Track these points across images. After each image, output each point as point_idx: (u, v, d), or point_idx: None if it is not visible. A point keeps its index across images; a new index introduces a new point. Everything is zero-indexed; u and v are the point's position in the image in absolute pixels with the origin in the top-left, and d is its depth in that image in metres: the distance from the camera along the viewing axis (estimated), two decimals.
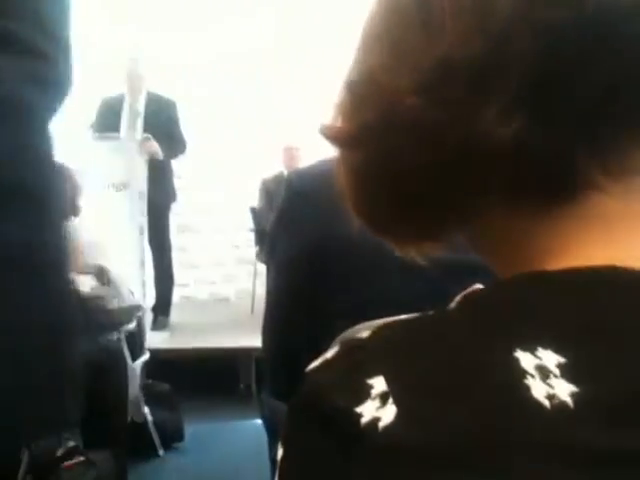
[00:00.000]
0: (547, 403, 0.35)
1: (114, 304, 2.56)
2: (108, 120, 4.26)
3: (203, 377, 3.60)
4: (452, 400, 0.37)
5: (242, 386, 3.91)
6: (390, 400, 0.38)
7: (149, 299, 4.27)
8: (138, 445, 2.82)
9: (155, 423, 2.97)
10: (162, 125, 4.24)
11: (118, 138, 4.06)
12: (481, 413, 0.36)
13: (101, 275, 2.60)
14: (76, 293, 2.48)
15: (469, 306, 0.41)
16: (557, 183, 0.40)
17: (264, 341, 1.17)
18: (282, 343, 1.13)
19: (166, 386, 3.17)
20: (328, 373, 0.43)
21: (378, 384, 0.39)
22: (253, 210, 4.94)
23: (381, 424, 0.38)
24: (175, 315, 4.68)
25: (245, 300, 5.19)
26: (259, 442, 1.23)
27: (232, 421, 3.40)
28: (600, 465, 0.33)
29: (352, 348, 0.43)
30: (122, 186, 3.85)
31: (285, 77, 5.50)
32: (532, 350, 0.37)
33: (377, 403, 0.38)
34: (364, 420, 0.38)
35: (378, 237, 0.48)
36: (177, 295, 4.96)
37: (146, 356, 3.00)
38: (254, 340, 3.79)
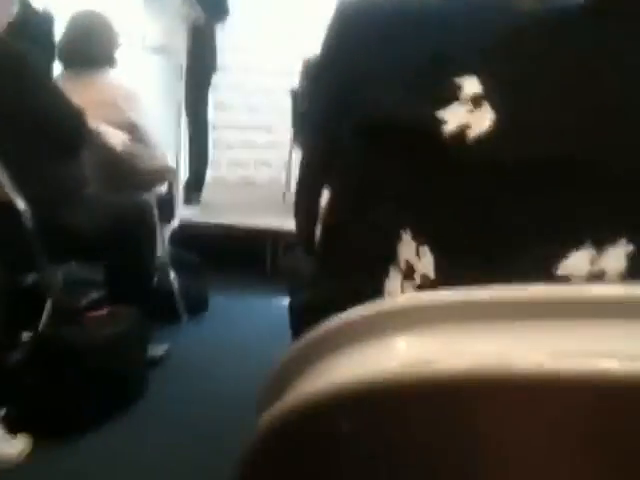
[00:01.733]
0: None
1: (146, 163, 2.50)
2: None
3: (230, 254, 3.60)
4: (564, 103, 0.29)
5: (269, 266, 3.91)
6: (485, 104, 0.30)
7: (182, 170, 4.23)
8: (163, 310, 2.85)
9: (180, 290, 2.99)
10: None
11: None
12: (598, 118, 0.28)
13: (135, 131, 2.52)
14: (107, 148, 2.41)
15: (583, 12, 0.32)
16: None
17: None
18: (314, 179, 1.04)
19: (193, 256, 3.17)
20: (397, 88, 0.34)
21: (469, 84, 0.31)
22: (293, 92, 4.77)
23: (471, 133, 0.29)
24: (205, 194, 4.64)
25: (278, 186, 5.12)
26: (281, 321, 1.18)
27: (256, 298, 3.41)
28: None
29: (429, 56, 0.35)
30: (160, 50, 3.71)
31: None
32: None
33: (467, 106, 0.30)
34: (448, 128, 0.30)
35: None
36: (208, 175, 4.90)
37: (176, 223, 2.97)
38: (283, 224, 3.76)
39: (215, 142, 4.88)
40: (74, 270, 2.74)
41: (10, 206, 2.01)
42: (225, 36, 4.67)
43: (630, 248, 0.25)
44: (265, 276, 3.78)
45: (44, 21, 4.40)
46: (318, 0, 5.23)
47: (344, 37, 0.94)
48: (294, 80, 4.87)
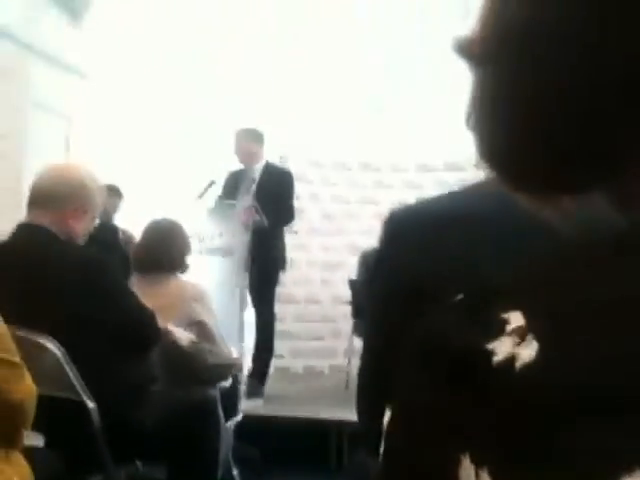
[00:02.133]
0: None
1: (212, 359, 2.57)
2: (230, 189, 4.54)
3: (293, 447, 3.51)
4: (607, 332, 0.31)
5: (333, 460, 3.77)
6: (530, 335, 0.33)
7: (246, 364, 4.29)
8: None
9: None
10: (274, 194, 4.41)
11: (232, 205, 4.22)
12: None
13: (200, 329, 2.62)
14: (175, 346, 2.51)
15: (612, 235, 0.36)
16: None
17: (358, 389, 1.11)
18: (374, 380, 1.06)
19: (256, 451, 3.11)
20: (448, 313, 0.38)
21: (515, 319, 0.34)
22: (352, 282, 4.91)
23: (519, 363, 0.32)
24: (269, 385, 4.64)
25: (340, 374, 5.10)
26: None
27: None
28: None
29: (477, 289, 0.38)
30: (226, 252, 3.96)
31: None
32: None
33: (514, 339, 0.33)
34: (497, 359, 0.33)
35: (509, 190, 0.43)
36: (271, 365, 4.93)
37: (239, 417, 2.96)
38: (347, 414, 3.70)
39: (279, 333, 4.98)
40: (138, 470, 2.71)
41: (80, 404, 2.07)
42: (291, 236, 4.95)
43: None
44: (330, 470, 3.64)
45: (110, 231, 4.80)
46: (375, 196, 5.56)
47: (393, 248, 1.01)
48: (352, 271, 5.04)
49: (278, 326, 4.94)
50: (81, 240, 2.35)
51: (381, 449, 0.39)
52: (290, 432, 3.72)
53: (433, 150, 5.63)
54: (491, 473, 0.31)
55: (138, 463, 2.72)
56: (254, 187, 4.49)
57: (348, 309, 5.04)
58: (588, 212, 0.44)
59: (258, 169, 4.64)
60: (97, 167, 3.38)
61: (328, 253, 5.54)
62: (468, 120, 0.42)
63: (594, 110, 0.37)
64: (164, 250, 2.68)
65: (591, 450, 0.29)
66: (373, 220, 4.99)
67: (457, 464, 0.33)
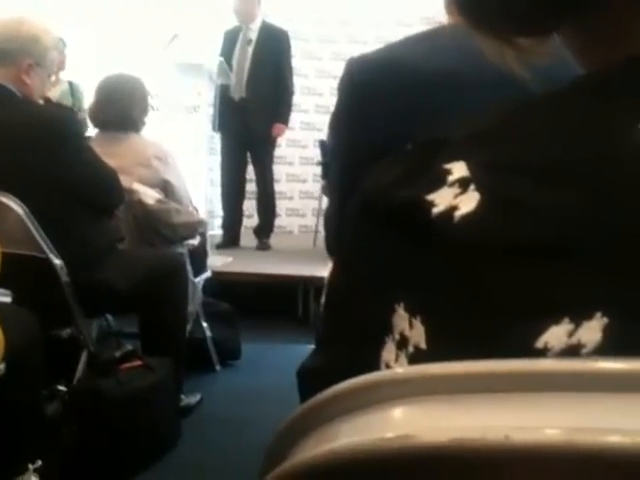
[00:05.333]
0: None
1: (178, 218, 2.57)
2: (227, 49, 4.52)
3: (262, 301, 3.63)
4: (552, 183, 0.31)
5: (300, 313, 3.93)
6: (472, 186, 0.32)
7: (217, 219, 4.39)
8: (196, 360, 2.87)
9: (213, 339, 3.02)
10: (271, 54, 4.44)
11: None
12: (589, 195, 0.29)
13: (166, 189, 2.60)
14: (141, 205, 2.50)
15: (576, 88, 0.34)
16: None
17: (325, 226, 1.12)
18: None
19: (226, 305, 3.20)
20: (393, 169, 0.37)
21: (458, 169, 0.33)
22: (322, 143, 4.87)
23: (458, 213, 0.32)
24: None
25: (309, 234, 5.19)
26: None
27: (289, 344, 3.42)
28: None
29: (426, 142, 0.37)
30: (193, 109, 3.87)
31: None
32: None
33: (455, 190, 0.32)
34: (437, 210, 0.32)
35: (473, 32, 0.41)
36: (243, 225, 5.00)
37: (208, 273, 3.02)
38: (314, 270, 3.79)
39: (250, 194, 5.00)
40: (108, 322, 2.80)
41: (47, 262, 2.08)
42: None
43: (605, 321, 0.27)
44: (297, 322, 3.80)
45: (75, 89, 4.63)
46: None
47: (353, 102, 0.97)
48: (323, 133, 4.99)
49: (248, 187, 4.95)
50: (37, 97, 2.25)
51: (322, 298, 0.40)
52: (259, 288, 3.83)
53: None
54: (424, 321, 0.32)
55: (109, 317, 2.80)
56: (250, 49, 4.49)
57: (318, 169, 5.04)
58: (549, 60, 0.42)
59: (255, 29, 4.52)
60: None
61: (298, 114, 5.44)
62: None
63: None
64: (124, 107, 2.58)
65: (520, 296, 0.29)
66: None
67: (392, 312, 0.33)
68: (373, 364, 0.33)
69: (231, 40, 4.60)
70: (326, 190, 4.80)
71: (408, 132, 0.66)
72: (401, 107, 0.86)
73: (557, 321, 0.28)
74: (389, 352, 0.33)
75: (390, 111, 0.87)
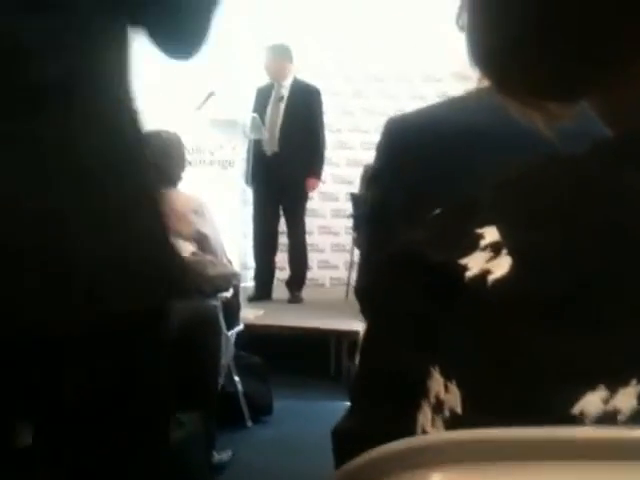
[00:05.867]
0: None
1: (213, 270, 2.60)
2: (259, 106, 4.64)
3: (295, 355, 3.61)
4: (579, 249, 0.31)
5: (333, 368, 3.89)
6: (504, 250, 0.33)
7: (250, 271, 4.41)
8: (227, 414, 2.86)
9: (245, 394, 3.00)
10: (303, 112, 4.54)
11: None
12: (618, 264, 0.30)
13: (201, 242, 2.64)
14: (179, 256, 2.54)
15: (599, 148, 0.35)
16: None
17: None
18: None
19: (257, 359, 3.20)
20: (426, 230, 0.38)
21: (489, 233, 0.34)
22: (353, 196, 4.91)
23: (491, 277, 0.32)
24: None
25: (341, 287, 5.19)
26: None
27: (321, 401, 3.39)
28: None
29: (459, 205, 0.38)
30: (228, 164, 3.95)
31: None
32: None
33: (487, 254, 0.33)
34: (470, 273, 0.33)
35: (501, 96, 0.42)
36: (275, 277, 5.02)
37: (240, 326, 3.03)
38: (346, 324, 3.75)
39: (281, 246, 5.04)
40: None
41: None
42: None
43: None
44: (329, 378, 3.76)
45: None
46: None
47: (390, 162, 1.00)
48: (355, 186, 5.04)
49: (280, 239, 4.99)
50: None
51: (356, 355, 0.40)
52: (291, 341, 3.82)
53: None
54: (459, 385, 0.32)
55: None
56: (283, 105, 4.60)
57: (349, 222, 5.07)
58: (577, 124, 0.43)
59: (286, 86, 4.65)
60: None
61: (330, 167, 5.51)
62: (458, 19, 0.41)
63: (587, 17, 0.35)
64: (162, 163, 2.65)
65: (556, 364, 0.29)
66: (377, 133, 4.92)
67: (428, 375, 0.33)
68: (409, 428, 0.33)
69: (264, 97, 4.72)
70: (357, 242, 4.83)
71: (442, 193, 0.67)
72: (434, 168, 0.88)
73: (593, 387, 0.28)
74: (425, 416, 0.33)
75: (425, 172, 0.89)
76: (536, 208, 0.34)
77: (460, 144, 0.88)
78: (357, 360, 0.40)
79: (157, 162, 2.66)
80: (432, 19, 5.27)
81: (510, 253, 0.32)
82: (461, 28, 0.41)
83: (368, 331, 0.40)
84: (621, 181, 0.32)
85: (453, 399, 0.32)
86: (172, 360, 2.40)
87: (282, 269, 5.22)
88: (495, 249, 0.33)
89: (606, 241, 0.31)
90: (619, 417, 0.27)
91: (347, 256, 5.27)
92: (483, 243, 0.34)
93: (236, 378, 2.97)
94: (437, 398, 0.33)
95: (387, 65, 5.80)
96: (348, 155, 5.84)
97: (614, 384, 0.28)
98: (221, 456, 2.58)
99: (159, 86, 5.50)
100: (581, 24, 0.36)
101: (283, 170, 4.49)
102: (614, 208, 0.32)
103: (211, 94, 4.38)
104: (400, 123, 1.01)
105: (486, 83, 0.89)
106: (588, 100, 0.41)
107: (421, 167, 0.92)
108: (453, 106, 0.94)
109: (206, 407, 2.39)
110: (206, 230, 2.67)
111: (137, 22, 0.91)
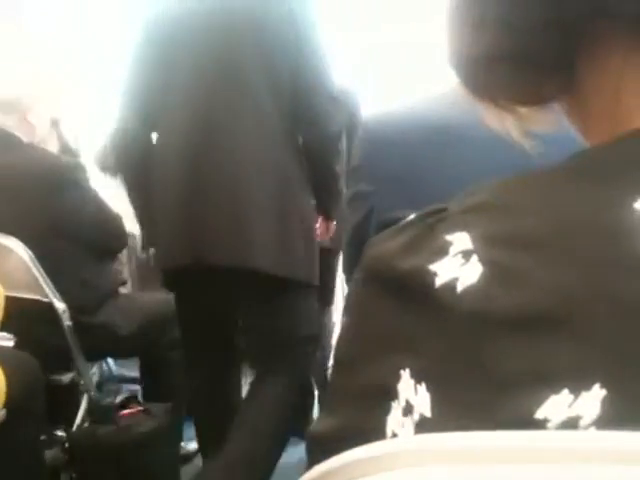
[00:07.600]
0: None
1: None
2: None
3: None
4: (552, 257, 0.32)
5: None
6: (474, 257, 0.33)
7: None
8: None
9: None
10: None
11: None
12: (588, 271, 0.31)
13: None
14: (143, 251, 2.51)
15: (574, 163, 0.36)
16: None
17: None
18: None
19: None
20: (396, 238, 0.38)
21: (460, 240, 0.35)
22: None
23: (461, 284, 0.33)
24: None
25: None
26: None
27: None
28: None
29: (428, 212, 0.39)
30: None
31: None
32: None
33: (458, 261, 0.34)
34: (440, 280, 0.34)
35: (476, 100, 0.42)
36: None
37: None
38: None
39: None
40: (109, 367, 2.78)
41: (49, 307, 2.09)
42: None
43: (603, 393, 0.28)
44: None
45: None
46: None
47: (368, 153, 1.01)
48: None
49: None
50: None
51: (330, 363, 0.41)
52: None
53: None
54: (428, 389, 0.33)
55: (110, 361, 2.79)
56: None
57: None
58: (548, 128, 0.44)
59: None
60: None
61: None
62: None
63: (557, 20, 0.36)
64: None
65: (521, 368, 0.30)
66: None
67: (398, 378, 0.34)
68: (379, 430, 0.34)
69: None
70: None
71: (415, 192, 0.68)
72: (408, 165, 0.89)
73: (557, 391, 0.29)
74: (395, 418, 0.34)
75: (399, 169, 0.90)
76: (510, 223, 0.34)
77: (434, 142, 0.89)
78: (330, 365, 0.40)
79: None
80: (434, 20, 5.24)
81: (481, 261, 0.33)
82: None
83: (340, 335, 0.41)
84: (590, 202, 0.33)
85: (422, 402, 0.33)
86: (142, 351, 2.38)
87: None
88: (465, 256, 0.34)
89: (577, 263, 0.31)
90: (581, 423, 0.28)
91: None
92: (453, 249, 0.34)
93: None
94: (407, 401, 0.34)
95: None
96: None
97: (577, 388, 0.29)
98: (189, 447, 2.58)
99: None
100: (548, 27, 0.36)
101: None
102: (596, 231, 0.32)
103: None
104: (377, 120, 1.02)
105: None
106: (560, 105, 0.42)
107: (397, 164, 0.93)
108: (430, 103, 0.95)
109: (175, 398, 2.38)
110: None
111: None
